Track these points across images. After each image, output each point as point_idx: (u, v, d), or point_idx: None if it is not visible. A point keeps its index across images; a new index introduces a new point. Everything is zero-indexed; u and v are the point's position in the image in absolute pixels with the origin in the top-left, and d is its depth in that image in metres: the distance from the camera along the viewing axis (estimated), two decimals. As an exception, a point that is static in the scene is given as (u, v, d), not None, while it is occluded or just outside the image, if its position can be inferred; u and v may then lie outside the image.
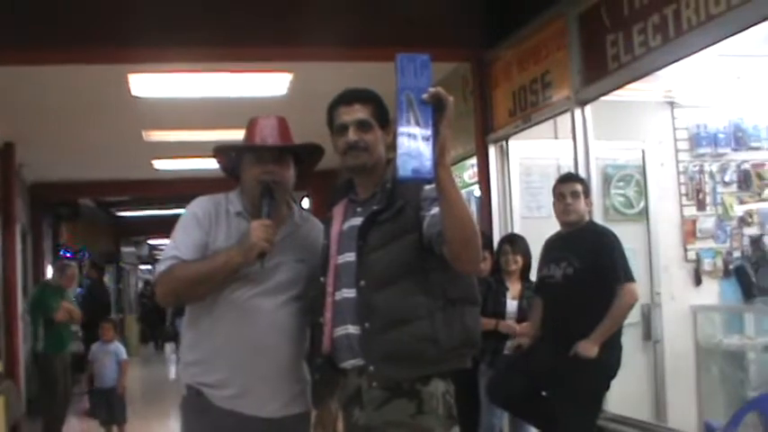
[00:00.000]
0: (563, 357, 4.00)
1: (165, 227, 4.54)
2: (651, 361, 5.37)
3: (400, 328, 2.27)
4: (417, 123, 1.96)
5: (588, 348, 3.96)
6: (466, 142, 6.13)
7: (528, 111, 5.36)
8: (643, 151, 5.66)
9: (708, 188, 5.70)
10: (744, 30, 3.46)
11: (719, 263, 5.63)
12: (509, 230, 5.67)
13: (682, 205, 5.69)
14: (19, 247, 9.04)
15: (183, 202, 3.06)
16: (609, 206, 5.51)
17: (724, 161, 5.74)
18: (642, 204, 5.65)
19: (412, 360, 2.28)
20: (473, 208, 6.10)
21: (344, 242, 2.42)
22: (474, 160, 6.18)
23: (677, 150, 5.71)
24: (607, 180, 5.56)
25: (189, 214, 2.60)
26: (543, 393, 4.32)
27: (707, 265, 5.62)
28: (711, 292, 5.63)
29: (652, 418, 5.09)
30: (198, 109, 7.20)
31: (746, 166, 5.74)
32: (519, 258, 5.01)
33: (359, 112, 2.40)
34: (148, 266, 24.68)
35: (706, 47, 3.73)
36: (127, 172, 10.76)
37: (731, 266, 5.60)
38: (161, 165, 10.22)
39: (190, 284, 2.47)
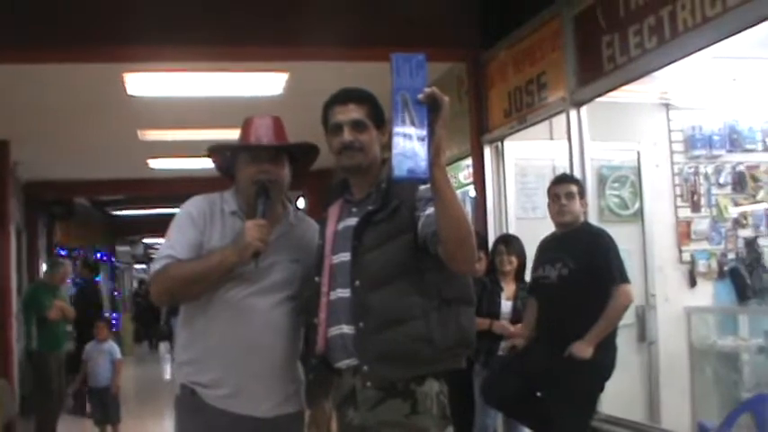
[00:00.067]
0: (558, 358, 4.00)
1: (160, 226, 4.54)
2: (645, 362, 5.38)
3: (395, 328, 2.27)
4: (413, 123, 1.95)
5: (583, 349, 3.96)
6: (461, 143, 6.12)
7: (523, 111, 5.35)
8: (638, 153, 5.66)
9: (703, 190, 5.70)
10: (739, 32, 3.46)
11: (714, 264, 5.64)
12: (504, 231, 5.66)
13: (676, 207, 5.69)
14: (13, 245, 9.00)
15: (178, 201, 3.05)
16: (604, 207, 5.50)
17: (719, 163, 5.74)
18: (637, 206, 5.65)
19: (407, 360, 2.28)
20: (468, 208, 6.10)
21: (339, 242, 2.42)
22: (469, 161, 6.17)
23: (672, 152, 5.71)
24: (602, 181, 5.56)
25: (184, 213, 2.59)
26: (538, 394, 4.33)
27: (701, 266, 5.62)
28: (706, 293, 5.63)
29: (646, 419, 5.10)
30: (193, 108, 7.19)
31: (741, 168, 5.75)
32: (514, 259, 5.01)
33: (354, 112, 2.39)
34: (143, 265, 24.62)
35: (701, 49, 3.72)
36: (122, 171, 10.74)
37: (726, 268, 5.60)
38: (156, 164, 10.19)
39: (184, 284, 2.47)
